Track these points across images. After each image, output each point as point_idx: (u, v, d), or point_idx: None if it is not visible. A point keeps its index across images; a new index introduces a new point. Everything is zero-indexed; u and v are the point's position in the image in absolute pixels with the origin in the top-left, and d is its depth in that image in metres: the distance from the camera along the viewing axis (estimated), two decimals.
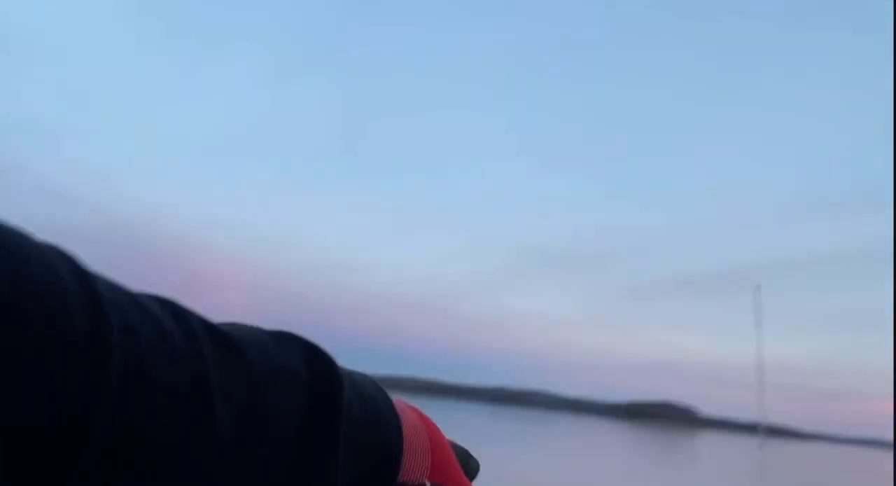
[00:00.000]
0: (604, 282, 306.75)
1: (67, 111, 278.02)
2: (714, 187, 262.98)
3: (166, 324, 0.31)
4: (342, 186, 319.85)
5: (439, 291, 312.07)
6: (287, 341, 0.37)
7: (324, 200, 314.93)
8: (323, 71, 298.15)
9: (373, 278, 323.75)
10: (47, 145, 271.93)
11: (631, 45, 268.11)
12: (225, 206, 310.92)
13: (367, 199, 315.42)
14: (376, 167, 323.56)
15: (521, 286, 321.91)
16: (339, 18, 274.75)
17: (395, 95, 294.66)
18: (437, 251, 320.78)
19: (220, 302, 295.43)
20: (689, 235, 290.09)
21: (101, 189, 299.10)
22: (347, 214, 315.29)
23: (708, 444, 62.00)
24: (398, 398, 0.39)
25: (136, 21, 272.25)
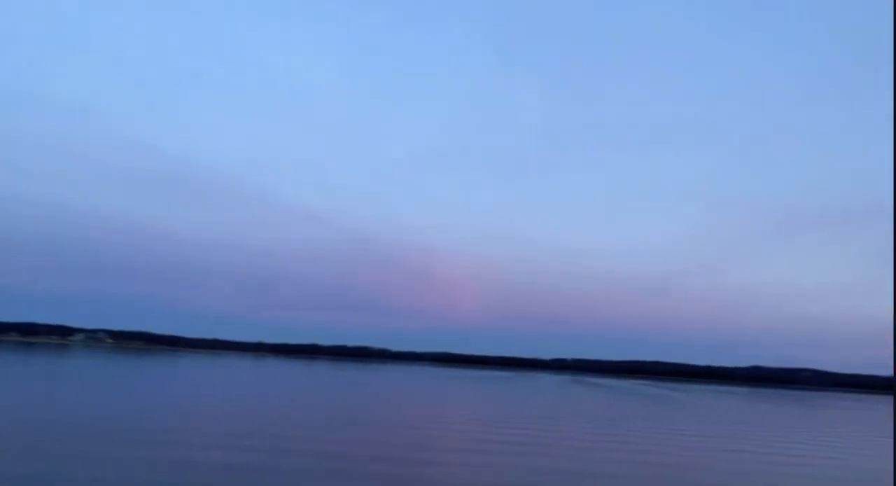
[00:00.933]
0: (874, 238, 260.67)
1: (313, 144, 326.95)
2: None
3: None
4: (565, 176, 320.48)
5: (680, 268, 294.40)
6: None
7: (547, 190, 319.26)
8: (530, 65, 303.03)
9: (608, 263, 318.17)
10: (300, 176, 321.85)
11: None
12: (452, 211, 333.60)
13: (593, 183, 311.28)
14: (598, 148, 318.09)
15: (772, 253, 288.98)
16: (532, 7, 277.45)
17: (610, 69, 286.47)
18: (674, 227, 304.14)
19: (454, 299, 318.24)
20: None
21: (344, 209, 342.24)
22: (574, 201, 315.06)
23: None
24: None
25: (357, 59, 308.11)
